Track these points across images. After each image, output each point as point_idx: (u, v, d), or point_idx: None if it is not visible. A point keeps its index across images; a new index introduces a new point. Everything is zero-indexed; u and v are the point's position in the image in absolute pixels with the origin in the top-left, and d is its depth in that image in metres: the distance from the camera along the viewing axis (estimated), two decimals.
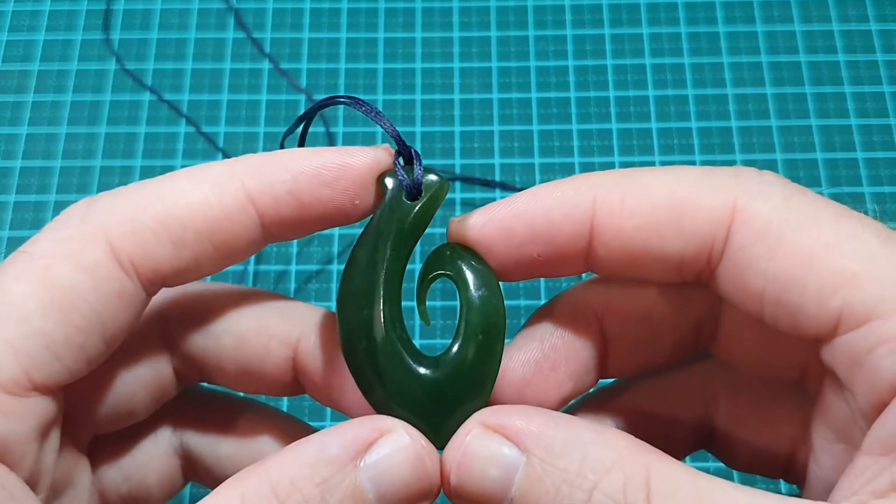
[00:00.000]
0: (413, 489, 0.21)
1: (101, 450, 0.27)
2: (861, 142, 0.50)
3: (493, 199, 0.49)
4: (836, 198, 0.48)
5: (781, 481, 0.31)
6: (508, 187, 0.49)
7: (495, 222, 0.22)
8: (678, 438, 0.26)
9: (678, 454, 0.26)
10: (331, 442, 0.21)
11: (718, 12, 0.54)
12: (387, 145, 0.24)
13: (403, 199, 0.23)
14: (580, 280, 0.24)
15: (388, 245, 0.23)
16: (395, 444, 0.21)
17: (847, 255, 0.19)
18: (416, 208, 0.23)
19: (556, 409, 0.24)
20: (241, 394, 0.30)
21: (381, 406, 0.23)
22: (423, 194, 0.23)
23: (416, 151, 0.23)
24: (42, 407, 0.21)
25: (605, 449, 0.20)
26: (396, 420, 0.22)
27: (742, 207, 0.20)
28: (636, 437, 0.26)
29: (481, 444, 0.21)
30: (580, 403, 0.27)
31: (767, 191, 0.21)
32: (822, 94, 0.51)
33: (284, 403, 0.43)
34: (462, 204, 0.49)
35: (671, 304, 0.24)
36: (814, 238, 0.20)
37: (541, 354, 0.24)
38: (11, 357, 0.20)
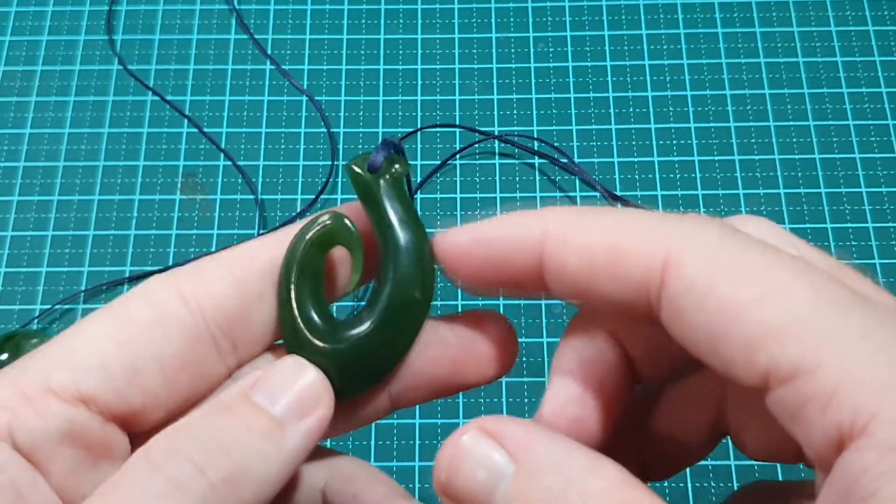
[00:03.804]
0: (304, 396, 0.23)
1: None
2: (858, 142, 0.50)
3: (494, 163, 0.49)
4: (835, 198, 0.48)
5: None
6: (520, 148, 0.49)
7: (458, 247, 0.23)
8: (698, 439, 0.26)
9: (702, 453, 0.26)
10: (225, 391, 0.23)
11: (717, 14, 0.54)
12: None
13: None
14: None
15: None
16: (275, 367, 0.23)
17: (771, 310, 0.19)
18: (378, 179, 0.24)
19: (609, 432, 0.24)
20: None
21: None
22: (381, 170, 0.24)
23: (387, 142, 0.24)
24: (86, 421, 0.22)
25: (595, 476, 0.20)
26: (288, 356, 0.24)
27: (673, 259, 0.20)
28: (658, 440, 0.26)
29: (475, 445, 0.21)
30: None
31: (701, 239, 0.20)
32: (820, 95, 0.52)
33: None
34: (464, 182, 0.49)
35: None
36: (739, 292, 0.19)
37: (580, 389, 0.24)
38: (68, 365, 0.22)
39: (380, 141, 0.25)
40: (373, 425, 0.44)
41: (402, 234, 0.24)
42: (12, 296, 0.47)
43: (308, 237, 0.24)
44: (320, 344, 0.24)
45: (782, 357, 0.19)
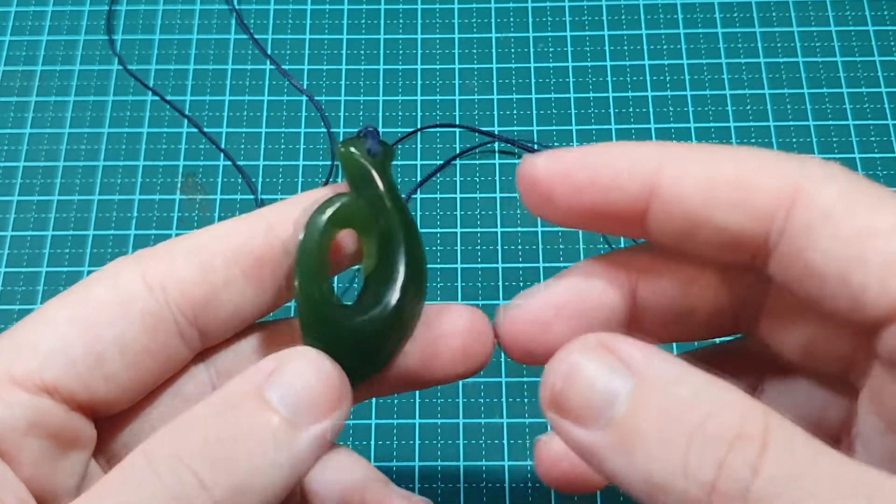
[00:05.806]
0: (322, 397, 0.21)
1: None
2: (858, 142, 0.50)
3: (492, 163, 0.49)
4: None
5: None
6: (510, 142, 0.49)
7: (561, 165, 0.22)
8: (702, 317, 0.26)
9: (698, 332, 0.26)
10: (233, 381, 0.21)
11: (717, 14, 0.54)
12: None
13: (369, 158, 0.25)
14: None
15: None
16: (290, 360, 0.21)
17: None
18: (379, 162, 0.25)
19: None
20: None
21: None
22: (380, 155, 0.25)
23: (373, 128, 0.25)
24: (51, 411, 0.21)
25: (722, 390, 0.19)
26: (302, 347, 0.22)
27: (805, 190, 0.20)
28: (656, 301, 0.25)
29: (592, 357, 0.20)
30: None
31: (831, 175, 0.21)
32: (820, 95, 0.52)
33: None
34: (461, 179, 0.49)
35: (712, 282, 0.24)
36: (878, 221, 0.19)
37: (565, 300, 0.23)
38: (31, 353, 0.21)
39: (362, 127, 0.25)
40: (373, 425, 0.44)
41: (407, 216, 0.24)
42: (12, 296, 0.47)
43: (326, 217, 0.23)
44: (344, 323, 0.23)
45: None
